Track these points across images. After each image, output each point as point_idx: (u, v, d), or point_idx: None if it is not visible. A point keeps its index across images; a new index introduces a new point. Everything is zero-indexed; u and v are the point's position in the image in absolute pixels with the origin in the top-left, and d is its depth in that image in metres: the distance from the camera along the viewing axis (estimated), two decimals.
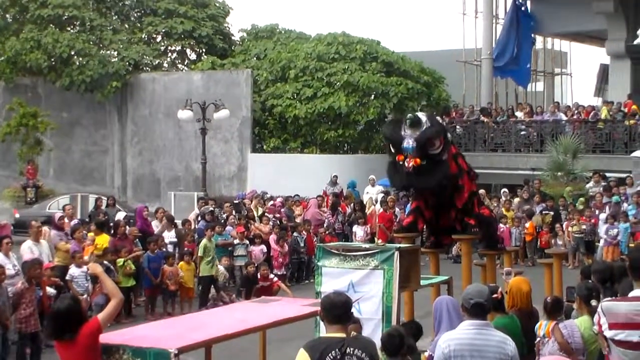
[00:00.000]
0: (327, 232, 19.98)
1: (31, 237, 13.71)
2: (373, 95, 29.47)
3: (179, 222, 18.16)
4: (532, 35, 36.09)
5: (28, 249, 13.44)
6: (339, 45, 30.08)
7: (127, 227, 16.27)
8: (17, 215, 22.42)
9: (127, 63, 31.21)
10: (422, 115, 9.72)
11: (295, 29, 34.39)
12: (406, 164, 9.50)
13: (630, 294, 5.02)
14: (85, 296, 13.16)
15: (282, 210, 21.27)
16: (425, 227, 11.28)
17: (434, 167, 9.64)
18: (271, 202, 21.73)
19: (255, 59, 32.11)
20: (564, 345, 6.66)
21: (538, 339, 7.46)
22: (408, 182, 9.84)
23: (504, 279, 8.52)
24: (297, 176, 26.84)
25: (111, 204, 21.07)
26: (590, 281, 7.51)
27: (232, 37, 35.11)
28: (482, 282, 10.04)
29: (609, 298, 5.30)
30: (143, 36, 32.89)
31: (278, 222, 19.53)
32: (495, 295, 7.09)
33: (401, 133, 9.62)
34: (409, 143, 9.51)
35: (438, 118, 10.56)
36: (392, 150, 9.79)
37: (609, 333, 4.96)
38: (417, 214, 10.73)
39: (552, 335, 6.97)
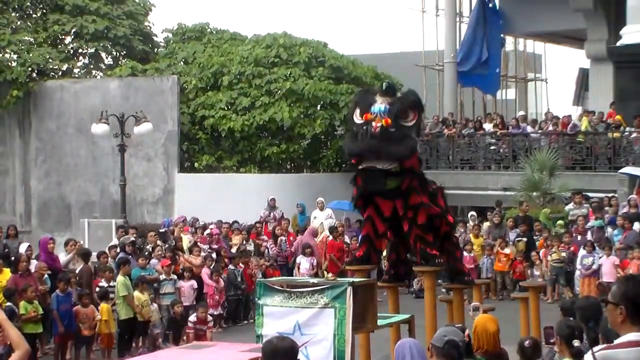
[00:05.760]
0: (268, 265, 19.93)
1: None
2: (320, 106, 29.58)
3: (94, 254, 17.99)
4: (502, 35, 36.73)
5: None
6: (279, 47, 30.17)
7: (31, 261, 16.05)
8: None
9: (30, 68, 30.82)
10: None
11: (228, 28, 34.38)
12: (373, 124, 9.69)
13: (623, 339, 4.90)
14: None
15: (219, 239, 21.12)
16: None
17: (400, 138, 9.80)
18: (207, 231, 21.63)
19: (182, 63, 32.01)
20: None
21: None
22: (369, 146, 9.78)
23: (472, 315, 8.61)
24: (233, 199, 26.76)
25: (12, 235, 20.75)
26: (571, 319, 7.61)
27: (155, 39, 34.98)
28: (449, 321, 10.14)
29: (603, 345, 5.16)
30: (48, 36, 32.52)
31: (214, 253, 19.46)
32: (466, 334, 7.15)
33: (373, 98, 10.02)
34: (380, 106, 9.83)
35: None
36: (359, 115, 9.96)
37: None
38: (370, 242, 10.66)
39: None
